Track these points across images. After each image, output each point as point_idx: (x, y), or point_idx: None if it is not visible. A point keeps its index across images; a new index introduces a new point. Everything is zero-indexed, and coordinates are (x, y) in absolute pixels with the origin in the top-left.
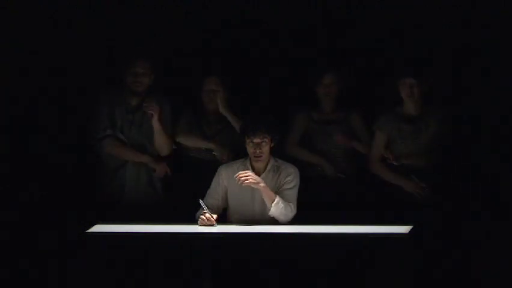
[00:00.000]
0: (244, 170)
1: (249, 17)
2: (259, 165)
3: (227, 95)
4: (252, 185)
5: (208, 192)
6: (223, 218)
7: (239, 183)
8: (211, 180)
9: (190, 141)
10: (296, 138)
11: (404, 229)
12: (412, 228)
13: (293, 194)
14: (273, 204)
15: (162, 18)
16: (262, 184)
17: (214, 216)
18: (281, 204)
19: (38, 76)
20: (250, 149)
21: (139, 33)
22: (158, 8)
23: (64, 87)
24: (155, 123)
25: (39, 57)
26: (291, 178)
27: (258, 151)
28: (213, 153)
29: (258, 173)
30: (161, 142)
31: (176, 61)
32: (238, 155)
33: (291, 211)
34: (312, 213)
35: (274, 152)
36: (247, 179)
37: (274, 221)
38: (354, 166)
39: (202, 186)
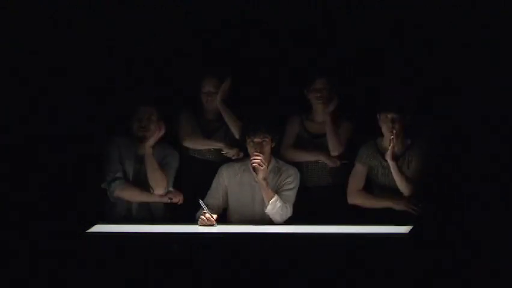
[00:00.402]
0: (244, 171)
1: (249, 17)
2: None
3: (229, 91)
4: (260, 172)
5: (208, 192)
6: (223, 218)
7: (252, 163)
8: (212, 180)
9: (199, 144)
10: (290, 142)
11: (404, 229)
12: (412, 228)
13: (292, 195)
14: (270, 202)
15: (162, 18)
16: (267, 180)
17: (214, 216)
18: (278, 204)
19: (38, 76)
20: (251, 149)
21: (139, 33)
22: (158, 8)
23: (64, 87)
24: (148, 147)
25: (39, 57)
26: (291, 180)
27: (258, 151)
28: (222, 152)
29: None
30: (150, 171)
31: (176, 61)
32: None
33: (287, 212)
34: (311, 213)
35: (275, 154)
36: (260, 164)
37: (274, 222)
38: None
39: (202, 186)
